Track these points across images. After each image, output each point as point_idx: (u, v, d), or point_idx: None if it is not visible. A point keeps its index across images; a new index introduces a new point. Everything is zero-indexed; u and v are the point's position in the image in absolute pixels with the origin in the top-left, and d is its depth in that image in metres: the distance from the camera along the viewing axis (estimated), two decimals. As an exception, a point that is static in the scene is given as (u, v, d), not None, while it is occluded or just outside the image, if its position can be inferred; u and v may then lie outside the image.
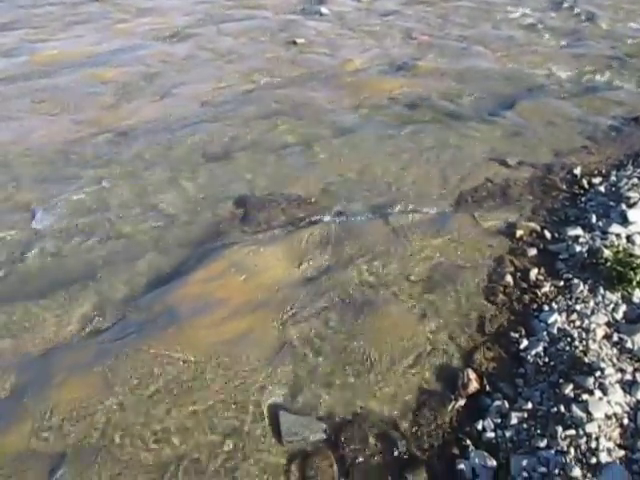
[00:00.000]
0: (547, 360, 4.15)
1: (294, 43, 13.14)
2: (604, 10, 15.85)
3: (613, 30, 13.88)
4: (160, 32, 14.35)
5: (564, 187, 6.67)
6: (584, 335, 4.28)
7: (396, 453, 3.59)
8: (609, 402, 3.65)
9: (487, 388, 4.03)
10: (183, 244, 5.73)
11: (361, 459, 3.55)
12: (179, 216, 6.20)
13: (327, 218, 6.05)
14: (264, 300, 4.82)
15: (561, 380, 3.93)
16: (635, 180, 6.55)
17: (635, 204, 5.91)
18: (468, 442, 3.65)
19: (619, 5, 16.54)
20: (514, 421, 3.70)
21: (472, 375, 4.06)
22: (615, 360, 4.02)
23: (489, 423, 3.74)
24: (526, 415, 3.73)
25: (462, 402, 3.93)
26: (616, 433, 3.48)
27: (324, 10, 16.35)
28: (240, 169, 7.16)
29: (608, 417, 3.56)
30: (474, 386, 4.00)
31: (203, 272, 5.22)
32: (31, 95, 9.89)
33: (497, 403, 3.87)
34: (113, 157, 7.60)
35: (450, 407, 3.89)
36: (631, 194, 6.15)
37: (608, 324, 4.41)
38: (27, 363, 4.33)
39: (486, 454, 3.52)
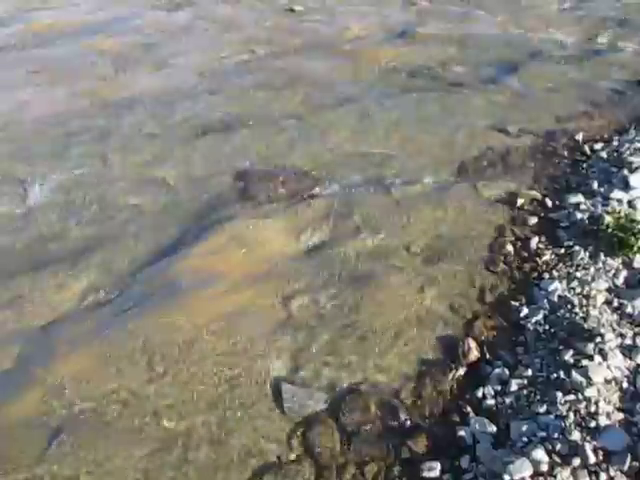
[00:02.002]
0: (547, 327, 4.18)
1: (292, 10, 12.91)
2: (608, -30, 15.44)
3: (617, -10, 13.56)
4: (157, 1, 14.10)
5: (565, 154, 6.63)
6: (584, 302, 4.30)
7: (397, 421, 3.64)
8: (609, 367, 3.68)
9: (487, 356, 4.06)
10: (183, 217, 5.72)
11: (362, 427, 3.61)
12: (178, 189, 6.19)
13: (327, 191, 6.03)
14: (265, 273, 4.84)
15: (561, 347, 3.96)
16: (638, 145, 6.50)
17: (637, 169, 5.88)
18: (469, 409, 3.70)
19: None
20: (514, 388, 3.74)
21: (472, 344, 4.09)
22: (615, 325, 4.05)
23: (489, 390, 3.79)
24: (526, 382, 3.77)
25: (462, 370, 3.96)
26: (615, 397, 3.52)
27: (322, -24, 15.95)
28: (239, 141, 7.11)
29: (608, 381, 3.60)
30: (474, 354, 4.04)
31: (204, 245, 5.23)
32: (26, 65, 9.80)
33: (497, 371, 3.91)
34: (110, 129, 7.55)
35: (451, 376, 3.93)
36: (633, 159, 6.10)
37: (609, 290, 4.42)
38: (30, 335, 4.38)
39: (486, 420, 3.57)
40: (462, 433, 3.53)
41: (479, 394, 3.79)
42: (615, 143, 6.76)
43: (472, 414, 3.66)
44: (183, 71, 9.62)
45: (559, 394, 3.57)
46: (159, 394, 3.84)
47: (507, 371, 3.89)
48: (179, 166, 6.62)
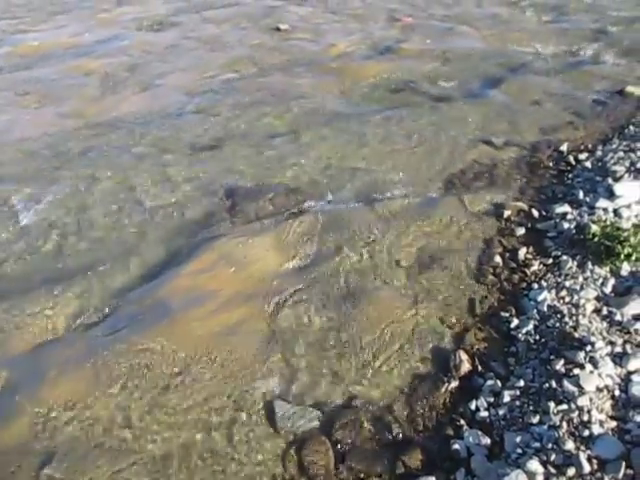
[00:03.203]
0: (538, 337, 4.19)
1: (278, 29, 13.05)
2: (587, -16, 15.76)
3: (595, 4, 13.87)
4: (142, 21, 14.22)
5: (551, 165, 6.70)
6: (574, 310, 4.32)
7: (391, 436, 3.63)
8: (600, 375, 3.69)
9: (479, 368, 4.07)
10: (172, 237, 5.71)
11: (356, 443, 3.59)
12: (167, 209, 6.18)
13: (315, 207, 6.04)
14: (255, 291, 4.82)
15: (552, 356, 3.97)
16: (621, 154, 6.58)
17: (621, 177, 5.95)
18: (462, 422, 3.69)
19: (602, -22, 16.45)
20: (507, 399, 3.74)
21: (464, 356, 4.09)
22: (605, 333, 4.07)
23: (482, 402, 3.78)
24: (518, 392, 3.77)
25: (455, 383, 3.96)
26: (608, 405, 3.53)
27: (307, -6, 16.20)
28: (227, 159, 7.12)
29: (599, 390, 3.61)
30: (466, 367, 4.04)
31: (193, 264, 5.22)
32: (14, 88, 9.82)
33: (489, 382, 3.91)
34: (98, 150, 7.55)
35: (443, 389, 3.92)
36: (617, 168, 6.18)
37: (597, 298, 4.45)
38: (18, 359, 4.32)
39: (480, 433, 3.56)
40: (456, 446, 3.51)
41: (472, 406, 3.78)
42: (599, 153, 6.84)
43: (466, 427, 3.65)
44: (170, 91, 9.66)
45: (552, 404, 3.57)
46: (151, 416, 3.80)
47: (499, 382, 3.90)
48: (167, 185, 6.61)
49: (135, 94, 9.60)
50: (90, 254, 5.53)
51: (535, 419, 3.53)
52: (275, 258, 5.26)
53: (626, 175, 5.98)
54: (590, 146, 7.10)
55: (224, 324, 4.50)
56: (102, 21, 14.53)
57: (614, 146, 6.92)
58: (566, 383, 3.66)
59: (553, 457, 3.24)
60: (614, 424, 3.40)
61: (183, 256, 5.40)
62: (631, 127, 7.50)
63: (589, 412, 3.46)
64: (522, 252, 5.17)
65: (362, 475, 3.42)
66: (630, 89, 8.63)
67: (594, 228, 5.07)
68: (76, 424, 3.77)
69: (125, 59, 11.32)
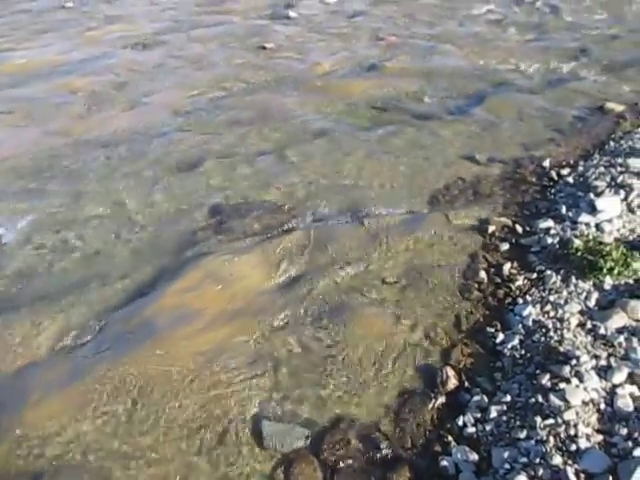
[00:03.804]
0: (523, 352, 4.22)
1: (263, 48, 13.15)
2: (565, 2, 16.16)
3: (576, 22, 14.16)
4: (129, 40, 14.26)
5: (534, 180, 6.78)
6: (558, 325, 4.36)
7: (379, 454, 3.61)
8: (585, 389, 3.71)
9: (466, 384, 4.08)
10: (158, 255, 5.69)
11: (344, 463, 3.57)
12: (153, 227, 6.16)
13: (301, 224, 6.06)
14: (241, 309, 4.81)
15: (538, 371, 3.99)
16: (602, 169, 6.68)
17: (602, 192, 6.04)
18: (450, 438, 3.69)
19: (581, -3, 16.85)
20: (494, 414, 3.75)
21: (450, 372, 4.10)
22: (590, 347, 4.10)
23: (469, 418, 3.79)
24: (505, 408, 3.78)
25: (442, 399, 3.96)
26: (594, 418, 3.54)
27: (292, 14, 16.40)
28: (214, 177, 7.13)
29: (585, 403, 3.63)
30: (453, 383, 4.05)
31: (179, 283, 5.20)
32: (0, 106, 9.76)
33: (476, 398, 3.92)
34: (84, 168, 7.53)
35: (430, 405, 3.92)
36: (598, 183, 6.27)
37: (581, 312, 4.49)
38: (0, 382, 4.26)
39: (467, 449, 3.56)
40: (444, 463, 3.51)
41: (459, 422, 3.78)
42: (581, 168, 6.94)
43: (453, 443, 3.65)
44: (156, 109, 9.68)
45: (538, 419, 3.58)
46: (138, 438, 3.76)
47: (486, 398, 3.91)
48: (153, 204, 6.61)
49: (121, 112, 9.61)
50: (74, 273, 5.49)
51: (522, 434, 3.54)
52: (262, 276, 5.26)
53: (607, 190, 6.07)
54: (572, 161, 7.21)
55: (210, 343, 4.47)
56: (89, 39, 14.56)
57: (595, 161, 7.03)
58: (552, 397, 3.68)
59: (541, 472, 3.24)
60: (600, 438, 3.42)
61: (169, 274, 5.37)
62: (611, 143, 7.63)
63: (575, 426, 3.48)
64: (507, 267, 5.21)
65: (350, 494, 3.41)
66: (610, 105, 8.80)
67: (577, 243, 5.13)
68: (60, 448, 3.71)
69: (112, 77, 11.34)
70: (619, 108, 8.74)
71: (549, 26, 13.91)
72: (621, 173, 6.39)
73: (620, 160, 6.77)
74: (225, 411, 3.92)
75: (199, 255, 5.61)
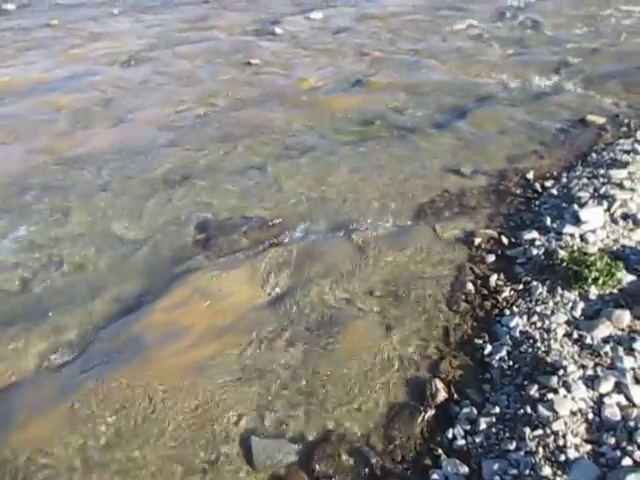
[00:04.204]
0: (511, 363, 4.24)
1: (249, 64, 13.23)
2: (546, 17, 16.48)
3: (556, 36, 14.43)
4: (114, 57, 14.28)
5: (518, 192, 6.86)
6: (545, 335, 4.38)
7: (369, 468, 3.60)
8: (573, 399, 3.74)
9: (455, 396, 4.08)
10: (146, 272, 5.67)
11: (335, 477, 3.55)
12: (140, 244, 6.14)
13: (289, 239, 6.07)
14: (229, 325, 4.80)
15: (526, 382, 4.01)
16: (585, 180, 6.78)
17: (586, 203, 6.11)
18: (440, 451, 3.68)
19: (560, 12, 17.22)
20: (483, 426, 3.75)
21: (440, 384, 4.11)
22: (577, 357, 4.12)
23: (459, 430, 3.79)
24: (494, 419, 3.79)
25: (432, 412, 3.96)
26: (582, 428, 3.56)
27: (277, 30, 16.54)
28: (200, 193, 7.13)
29: (573, 413, 3.65)
30: (442, 395, 4.05)
31: (167, 299, 5.18)
32: (-17, 124, 9.73)
33: (465, 410, 3.93)
34: (69, 185, 7.50)
35: (420, 418, 3.92)
36: (581, 194, 6.35)
37: (568, 322, 4.52)
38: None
39: (458, 462, 3.56)
40: (435, 476, 3.50)
41: (449, 435, 3.78)
42: (564, 180, 7.04)
43: (444, 456, 3.64)
44: (142, 125, 9.68)
45: (527, 429, 3.60)
46: (125, 457, 3.71)
47: (475, 410, 3.91)
48: (140, 220, 6.59)
49: (106, 129, 9.60)
50: (60, 291, 5.44)
51: (512, 445, 3.55)
52: (250, 291, 5.25)
53: (590, 201, 6.15)
54: (555, 173, 7.30)
55: (199, 359, 4.44)
56: (74, 57, 14.57)
57: (578, 173, 7.13)
58: (541, 408, 3.69)
59: (531, 483, 3.25)
60: (589, 448, 3.44)
61: (157, 291, 5.35)
62: (593, 154, 7.75)
63: (564, 436, 3.50)
64: (493, 279, 5.25)
65: (341, 510, 3.39)
66: (591, 118, 8.95)
67: (562, 253, 5.19)
68: (46, 469, 3.65)
69: (96, 94, 11.34)
70: (600, 120, 8.89)
71: (530, 40, 14.16)
72: (604, 184, 6.48)
73: (602, 171, 6.88)
74: (214, 427, 3.89)
75: (187, 271, 5.59)
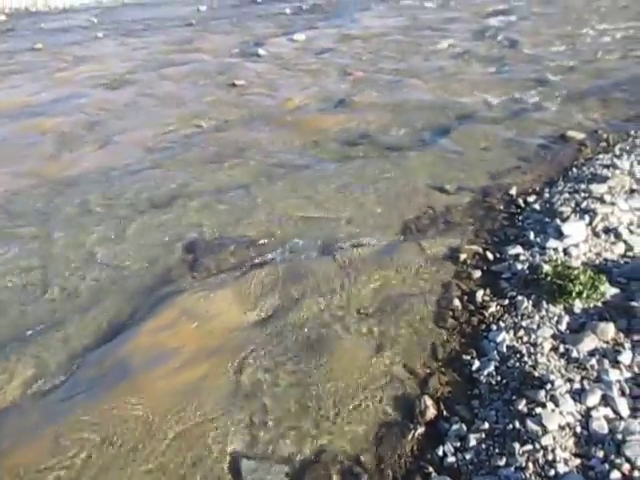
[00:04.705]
0: (499, 378, 4.25)
1: (234, 85, 13.35)
2: (524, 36, 16.84)
3: (534, 54, 14.75)
4: (100, 79, 14.34)
5: (502, 208, 6.95)
6: (532, 350, 4.42)
7: (360, 488, 3.59)
8: (561, 413, 3.75)
9: (444, 413, 4.08)
10: (132, 294, 5.63)
11: (326, 499, 3.53)
12: (127, 266, 6.11)
13: (276, 258, 6.08)
14: (217, 346, 4.77)
15: (514, 396, 4.03)
16: (566, 195, 6.89)
17: (568, 218, 6.21)
18: (430, 469, 3.67)
19: (537, 31, 17.62)
20: (473, 443, 3.76)
21: (429, 401, 4.11)
22: (563, 370, 4.15)
23: (449, 447, 3.79)
24: (484, 435, 3.80)
25: (421, 430, 3.96)
26: (571, 442, 3.58)
27: (261, 51, 16.73)
28: (187, 214, 7.14)
29: (562, 427, 3.67)
30: (432, 412, 4.05)
31: (154, 321, 5.14)
32: (-33, 149, 9.68)
33: (455, 427, 3.93)
34: (54, 208, 7.47)
35: (410, 436, 3.91)
36: (564, 209, 6.45)
37: (554, 336, 4.56)
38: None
39: (449, 479, 3.55)
40: (426, 495, 3.50)
41: (440, 452, 3.77)
42: (546, 195, 7.15)
43: (434, 474, 3.63)
44: (128, 147, 9.70)
45: (517, 445, 3.60)
46: (112, 484, 3.66)
47: (464, 426, 3.92)
48: (126, 242, 6.57)
49: (92, 151, 9.60)
50: (45, 315, 5.38)
51: (502, 461, 3.55)
52: (237, 311, 5.23)
53: (572, 215, 6.25)
54: (537, 189, 7.41)
55: (187, 382, 4.41)
56: (59, 80, 14.59)
57: (560, 188, 7.25)
58: (529, 423, 3.71)
59: (521, 499, 3.26)
60: (578, 461, 3.45)
61: (143, 313, 5.32)
62: (574, 169, 7.89)
63: (553, 451, 3.51)
64: (479, 294, 5.29)
65: (333, 531, 3.36)
66: (571, 134, 9.13)
67: (546, 268, 5.24)
68: (32, 498, 3.59)
69: (82, 117, 11.35)
70: (580, 136, 9.07)
71: (510, 59, 14.46)
72: (585, 199, 6.59)
73: (583, 186, 7.00)
74: (203, 450, 3.84)
75: (174, 293, 5.57)
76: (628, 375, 4.03)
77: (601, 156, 8.20)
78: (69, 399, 4.35)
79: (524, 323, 4.75)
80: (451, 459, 3.71)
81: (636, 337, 4.37)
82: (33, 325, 5.25)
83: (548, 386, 3.98)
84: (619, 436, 3.52)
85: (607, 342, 4.38)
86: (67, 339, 5.04)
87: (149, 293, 5.64)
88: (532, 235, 6.10)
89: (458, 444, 3.81)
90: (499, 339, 4.60)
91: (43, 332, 5.13)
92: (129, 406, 4.19)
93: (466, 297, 5.27)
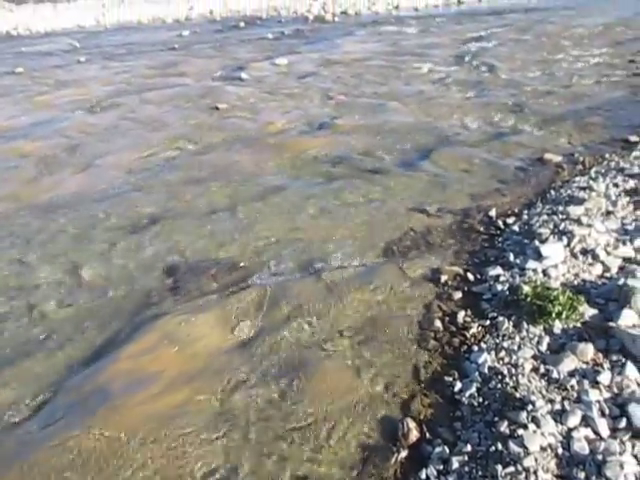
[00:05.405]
0: (481, 400, 4.26)
1: (217, 108, 13.43)
2: (502, 62, 17.24)
3: (512, 79, 15.09)
4: (81, 103, 14.34)
5: (482, 229, 7.02)
6: (513, 371, 4.43)
7: (343, 514, 3.54)
8: (543, 434, 3.76)
9: (427, 435, 4.07)
10: (112, 319, 5.57)
11: (308, 526, 3.48)
12: (107, 290, 6.05)
13: (258, 281, 6.06)
14: (199, 370, 4.71)
15: (496, 418, 4.02)
16: (545, 217, 6.99)
17: (547, 239, 6.29)
18: (413, 493, 3.66)
19: (514, 56, 18.07)
20: (455, 465, 3.74)
21: (412, 424, 4.09)
22: (544, 391, 4.17)
23: (432, 471, 3.76)
24: (466, 458, 3.78)
25: (404, 453, 3.93)
26: (552, 464, 3.58)
27: (244, 75, 16.89)
28: (168, 237, 7.11)
29: (543, 449, 3.66)
30: (414, 435, 4.03)
31: (134, 346, 5.08)
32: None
33: (438, 449, 3.91)
34: (33, 232, 7.39)
35: (393, 460, 3.89)
36: (542, 230, 6.54)
37: (534, 357, 4.58)
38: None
39: (432, 503, 3.54)
40: (409, 520, 3.46)
41: (422, 476, 3.74)
42: (525, 217, 7.24)
43: (417, 498, 3.62)
44: (109, 170, 9.67)
45: (499, 467, 3.59)
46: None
47: (447, 449, 3.90)
48: (106, 266, 6.51)
49: (73, 175, 9.55)
50: (22, 341, 5.29)
51: (484, 484, 3.54)
52: (219, 335, 5.19)
53: (551, 237, 6.34)
54: (517, 210, 7.52)
55: (168, 407, 4.34)
56: (40, 104, 14.56)
57: (538, 210, 7.36)
58: (511, 444, 3.70)
59: (504, 522, 3.24)
60: (560, 483, 3.46)
61: (123, 338, 5.25)
62: (552, 191, 8.02)
63: (535, 473, 3.50)
64: (461, 315, 5.31)
65: None
66: (548, 156, 9.31)
67: (526, 289, 5.29)
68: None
69: (63, 141, 11.31)
70: (557, 158, 9.25)
71: (488, 84, 14.76)
72: (562, 220, 6.70)
73: (561, 208, 7.11)
74: (183, 476, 3.77)
75: (155, 316, 5.51)
76: (607, 395, 4.06)
77: (578, 178, 8.35)
78: (45, 428, 4.25)
79: (505, 344, 4.77)
80: (434, 483, 3.69)
81: (614, 357, 4.42)
82: (7, 351, 5.15)
83: (529, 407, 3.99)
84: (599, 457, 3.53)
85: (586, 362, 4.42)
86: (43, 366, 4.95)
87: (130, 317, 5.58)
88: (512, 256, 6.16)
89: (441, 467, 3.78)
90: (481, 360, 4.61)
91: (18, 358, 5.03)
92: (109, 433, 4.11)
93: (447, 318, 5.29)
